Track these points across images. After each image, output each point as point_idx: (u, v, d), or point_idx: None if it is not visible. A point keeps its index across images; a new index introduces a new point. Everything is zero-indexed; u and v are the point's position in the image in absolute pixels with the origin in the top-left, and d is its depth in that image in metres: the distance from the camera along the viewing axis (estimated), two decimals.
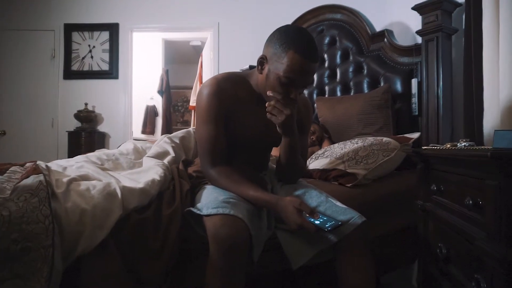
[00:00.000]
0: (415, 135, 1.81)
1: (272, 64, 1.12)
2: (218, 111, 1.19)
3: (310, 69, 1.11)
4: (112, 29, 4.06)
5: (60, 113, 4.06)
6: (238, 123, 1.23)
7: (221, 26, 4.04)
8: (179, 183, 1.22)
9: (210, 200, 1.11)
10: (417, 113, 2.09)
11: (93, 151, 3.51)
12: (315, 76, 2.76)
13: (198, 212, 1.08)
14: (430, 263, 1.30)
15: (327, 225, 1.04)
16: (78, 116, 3.92)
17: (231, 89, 1.21)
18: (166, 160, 1.41)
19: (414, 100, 2.09)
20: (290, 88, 1.11)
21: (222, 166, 1.21)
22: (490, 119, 1.56)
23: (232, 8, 4.02)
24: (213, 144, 1.20)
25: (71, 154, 3.83)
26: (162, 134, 5.37)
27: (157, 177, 1.17)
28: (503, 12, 1.48)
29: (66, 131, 3.93)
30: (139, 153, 1.58)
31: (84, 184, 1.01)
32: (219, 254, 0.97)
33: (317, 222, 1.05)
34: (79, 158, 1.40)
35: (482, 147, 0.95)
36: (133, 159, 1.52)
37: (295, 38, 1.09)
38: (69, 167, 1.22)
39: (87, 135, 3.87)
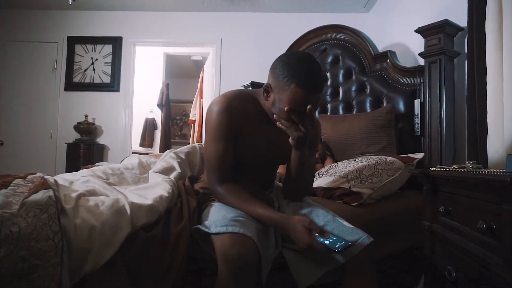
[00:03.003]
0: (419, 156, 1.81)
1: (276, 95, 1.12)
2: (227, 128, 1.19)
3: (314, 100, 1.09)
4: (115, 43, 4.10)
5: (59, 125, 4.04)
6: (247, 141, 1.23)
7: (224, 42, 4.09)
8: (187, 200, 1.21)
9: (218, 218, 1.09)
10: (419, 133, 2.11)
11: (92, 163, 3.50)
12: None
13: (206, 230, 1.06)
14: (436, 286, 1.29)
15: (337, 246, 1.03)
16: (78, 128, 3.91)
17: (241, 107, 1.21)
18: (172, 176, 1.40)
19: (417, 120, 2.11)
20: (297, 116, 1.09)
21: (229, 183, 1.21)
22: (494, 142, 1.57)
23: (235, 25, 4.09)
24: (221, 162, 1.20)
25: (69, 166, 3.81)
26: (160, 147, 5.36)
27: (165, 194, 1.16)
28: (506, 38, 1.51)
29: (65, 143, 3.91)
30: (143, 168, 1.57)
31: (92, 200, 1.00)
32: (229, 275, 0.95)
33: (326, 242, 1.04)
34: (84, 172, 1.39)
35: (494, 170, 0.96)
36: (138, 174, 1.50)
37: (297, 70, 1.06)
38: (75, 181, 1.21)
39: (86, 147, 3.85)
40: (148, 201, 1.09)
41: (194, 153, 1.63)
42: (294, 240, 1.07)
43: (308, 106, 1.06)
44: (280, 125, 1.13)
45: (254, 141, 1.25)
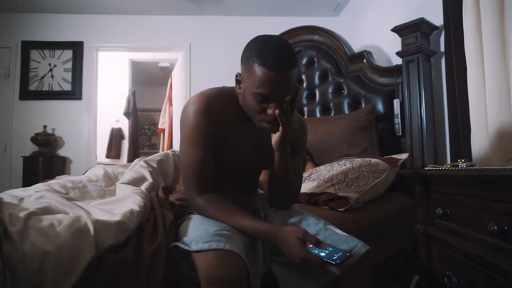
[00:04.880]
0: (404, 156, 1.76)
1: (245, 82, 1.01)
2: (206, 131, 1.05)
3: (282, 79, 0.95)
4: (76, 48, 3.83)
5: (14, 137, 3.70)
6: (229, 144, 1.11)
7: (193, 46, 3.94)
8: (161, 214, 1.06)
9: (199, 233, 0.95)
10: (400, 134, 2.06)
11: (52, 177, 3.20)
12: None
13: (186, 247, 0.92)
14: None
15: (334, 257, 0.92)
16: (36, 139, 3.59)
17: (221, 106, 1.08)
18: (143, 187, 1.24)
19: (397, 120, 2.06)
20: (266, 105, 0.98)
21: (210, 193, 1.07)
22: (478, 140, 1.54)
23: (204, 29, 3.95)
24: (201, 169, 1.06)
25: (26, 182, 3.48)
26: (128, 158, 5.08)
27: (135, 207, 1.00)
28: (486, 34, 1.49)
29: (21, 156, 3.57)
30: (110, 180, 1.40)
31: (46, 219, 0.82)
32: None
33: (322, 254, 0.93)
34: (39, 186, 1.19)
35: (500, 166, 0.89)
36: (104, 186, 1.33)
37: (261, 49, 0.95)
38: (27, 197, 1.02)
39: (45, 160, 3.54)
40: (116, 217, 0.93)
41: (167, 161, 1.47)
42: (286, 254, 0.95)
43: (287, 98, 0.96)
44: (262, 123, 1.02)
45: (236, 145, 1.12)
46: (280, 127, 1.00)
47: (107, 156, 5.13)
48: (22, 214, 0.81)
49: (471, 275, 0.98)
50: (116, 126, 5.35)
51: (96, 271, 0.82)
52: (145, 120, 7.20)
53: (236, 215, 1.02)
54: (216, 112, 1.07)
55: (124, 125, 5.39)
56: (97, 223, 0.86)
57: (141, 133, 7.16)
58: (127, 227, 0.92)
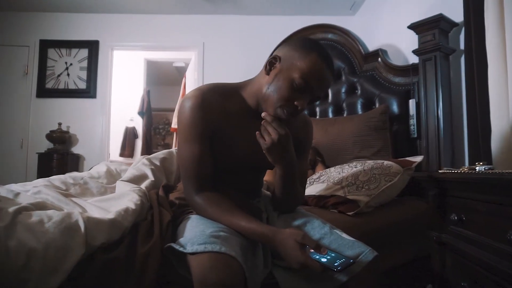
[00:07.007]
0: (418, 159, 1.67)
1: (287, 63, 0.99)
2: (203, 127, 1.01)
3: (328, 79, 1.01)
4: (92, 47, 3.88)
5: (30, 133, 3.77)
6: (227, 142, 1.06)
7: (206, 46, 3.93)
8: (159, 213, 1.02)
9: (195, 234, 0.91)
10: (415, 136, 1.97)
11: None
12: None
13: (181, 249, 0.88)
14: None
15: (336, 264, 0.86)
16: (51, 136, 3.65)
17: (219, 102, 1.04)
18: (143, 185, 1.21)
19: (413, 121, 1.98)
20: (299, 95, 0.98)
21: (209, 192, 1.03)
22: (499, 141, 1.45)
23: (217, 28, 3.94)
24: (198, 166, 1.02)
25: (41, 178, 3.53)
26: None
27: (131, 206, 0.97)
28: (510, 31, 1.40)
29: (36, 153, 3.64)
30: (112, 177, 1.37)
31: (36, 215, 0.80)
32: None
33: (323, 259, 0.87)
34: (39, 181, 1.18)
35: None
36: (105, 184, 1.31)
37: (319, 47, 1.01)
38: (24, 192, 1.00)
39: (59, 157, 3.59)
40: (110, 215, 0.90)
41: (171, 159, 1.44)
42: (285, 258, 0.90)
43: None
44: (282, 109, 1.00)
45: (236, 142, 1.08)
46: (276, 135, 0.98)
47: (121, 155, 5.19)
48: (11, 209, 0.79)
49: (486, 286, 0.90)
50: (130, 125, 5.40)
51: (86, 269, 0.79)
52: (160, 119, 7.25)
53: (234, 215, 0.98)
54: (213, 107, 1.02)
55: (138, 124, 5.44)
56: (88, 220, 0.83)
57: (156, 133, 7.21)
58: (121, 226, 0.89)
